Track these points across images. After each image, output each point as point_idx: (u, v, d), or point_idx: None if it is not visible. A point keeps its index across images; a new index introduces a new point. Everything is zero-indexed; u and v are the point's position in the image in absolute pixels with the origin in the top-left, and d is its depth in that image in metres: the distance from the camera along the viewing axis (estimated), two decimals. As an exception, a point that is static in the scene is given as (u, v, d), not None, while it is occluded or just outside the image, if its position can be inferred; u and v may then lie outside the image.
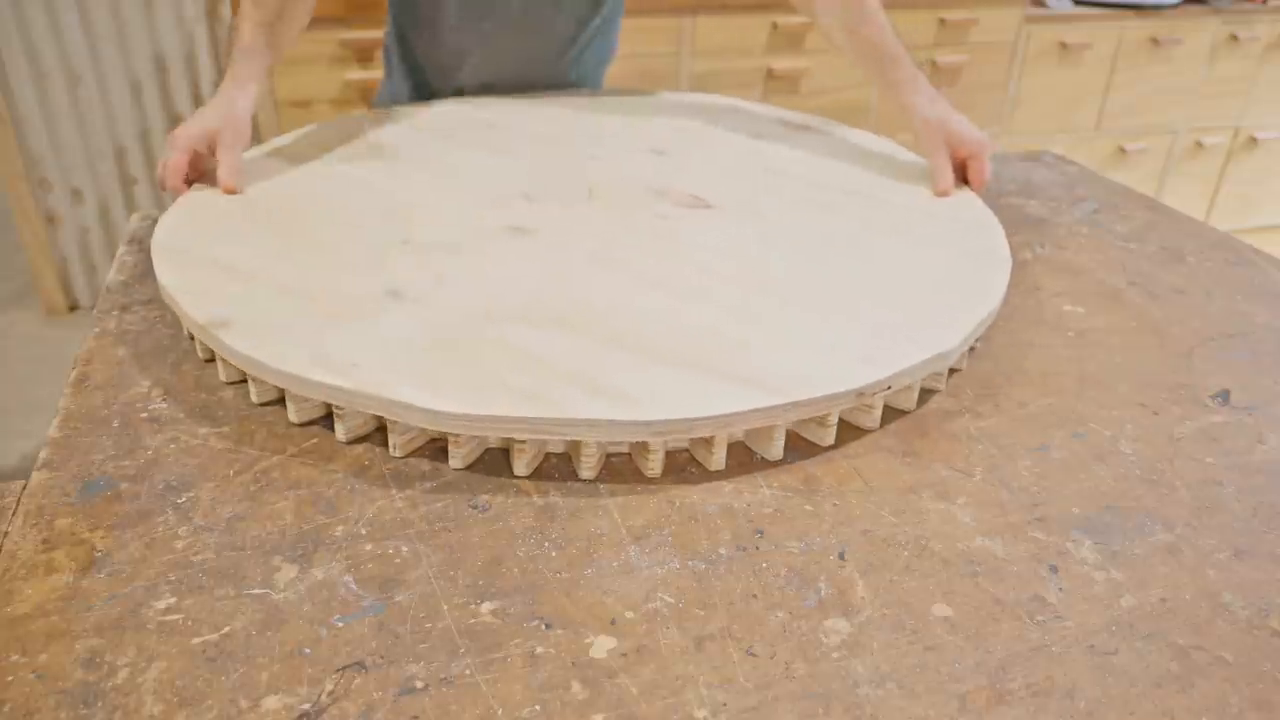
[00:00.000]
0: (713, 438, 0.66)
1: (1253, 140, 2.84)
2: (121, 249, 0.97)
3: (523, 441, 0.65)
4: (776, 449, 0.68)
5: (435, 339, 0.71)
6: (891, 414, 0.74)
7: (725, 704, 0.50)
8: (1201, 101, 2.73)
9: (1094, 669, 0.53)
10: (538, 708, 0.49)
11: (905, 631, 0.55)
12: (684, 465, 0.68)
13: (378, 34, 2.12)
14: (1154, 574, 0.60)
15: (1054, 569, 0.60)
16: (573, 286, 0.79)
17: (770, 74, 2.30)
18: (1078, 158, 1.44)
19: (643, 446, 0.66)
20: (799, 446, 0.70)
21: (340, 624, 0.54)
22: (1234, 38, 2.65)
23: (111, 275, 0.91)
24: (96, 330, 0.82)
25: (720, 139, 1.14)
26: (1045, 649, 0.54)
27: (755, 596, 0.57)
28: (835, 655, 0.53)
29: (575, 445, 0.66)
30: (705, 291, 0.79)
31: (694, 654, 0.53)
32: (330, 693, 0.50)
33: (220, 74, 2.28)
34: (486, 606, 0.55)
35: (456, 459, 0.66)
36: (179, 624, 0.53)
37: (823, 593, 0.57)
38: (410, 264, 0.81)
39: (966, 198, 1.01)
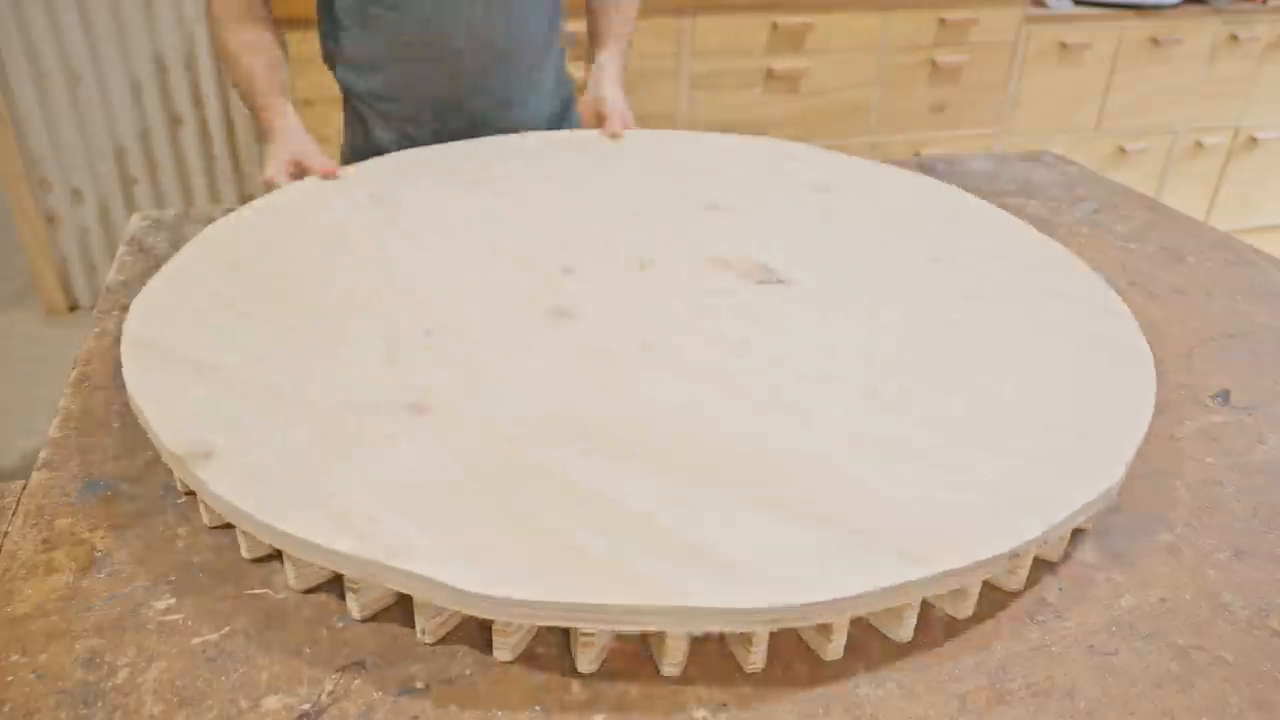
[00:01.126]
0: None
1: (1253, 140, 2.84)
2: (121, 249, 0.97)
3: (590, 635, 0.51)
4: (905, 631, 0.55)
5: (470, 471, 0.57)
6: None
7: (725, 704, 0.50)
8: (1201, 101, 2.73)
9: (1094, 669, 0.53)
10: (537, 708, 0.49)
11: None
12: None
13: (378, 34, 2.11)
14: (1154, 574, 0.60)
15: (1054, 569, 0.60)
16: (629, 395, 0.65)
17: (770, 74, 2.30)
18: (1078, 158, 1.44)
19: (745, 636, 0.52)
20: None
21: (340, 624, 0.54)
22: (1234, 38, 2.65)
23: (111, 275, 0.91)
24: (96, 330, 0.81)
25: (778, 190, 1.00)
26: (1045, 649, 0.54)
27: (755, 596, 0.57)
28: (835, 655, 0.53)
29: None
30: (796, 403, 0.65)
31: (694, 654, 0.53)
32: (330, 693, 0.50)
33: (218, 75, 2.28)
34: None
35: (504, 650, 0.52)
36: (179, 624, 0.53)
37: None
38: (434, 364, 0.68)
39: (1088, 277, 0.86)
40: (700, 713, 0.49)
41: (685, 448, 0.60)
